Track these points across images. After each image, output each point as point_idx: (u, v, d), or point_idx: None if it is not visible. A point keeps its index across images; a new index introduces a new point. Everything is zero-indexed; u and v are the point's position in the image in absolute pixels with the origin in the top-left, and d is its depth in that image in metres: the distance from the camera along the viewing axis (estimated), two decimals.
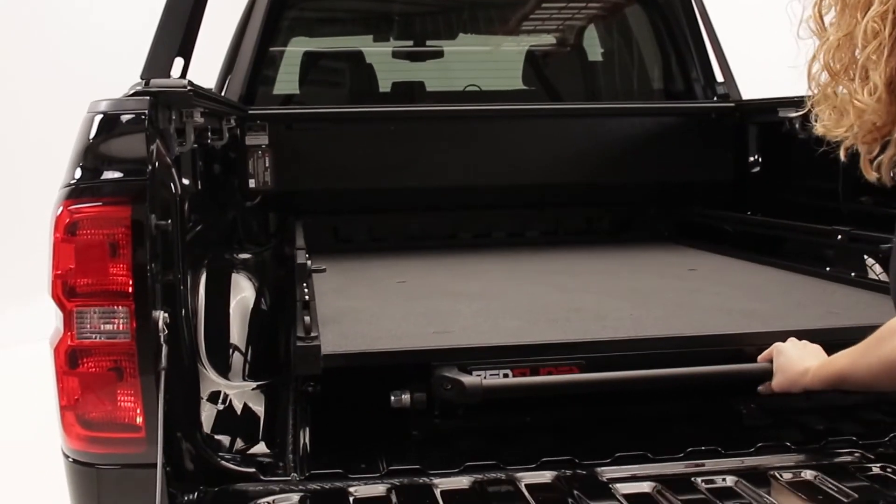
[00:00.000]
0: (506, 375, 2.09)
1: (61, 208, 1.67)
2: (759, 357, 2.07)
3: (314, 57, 4.49)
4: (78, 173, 1.68)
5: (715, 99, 3.82)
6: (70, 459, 1.76)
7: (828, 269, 3.01)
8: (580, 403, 2.28)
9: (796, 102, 3.17)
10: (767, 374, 2.02)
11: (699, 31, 3.91)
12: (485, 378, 2.00)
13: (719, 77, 3.88)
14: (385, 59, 4.57)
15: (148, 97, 1.73)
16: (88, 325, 1.67)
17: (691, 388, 2.33)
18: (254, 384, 2.21)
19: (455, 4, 4.68)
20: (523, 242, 3.82)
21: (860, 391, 1.88)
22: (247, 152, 3.31)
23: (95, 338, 1.69)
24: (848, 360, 1.82)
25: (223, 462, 1.82)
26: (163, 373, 1.64)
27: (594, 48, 4.58)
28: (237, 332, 2.40)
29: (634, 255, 3.51)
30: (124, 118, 1.74)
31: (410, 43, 4.67)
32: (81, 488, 1.76)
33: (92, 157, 1.70)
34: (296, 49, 4.38)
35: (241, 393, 2.16)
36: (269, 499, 1.78)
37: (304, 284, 2.32)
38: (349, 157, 3.50)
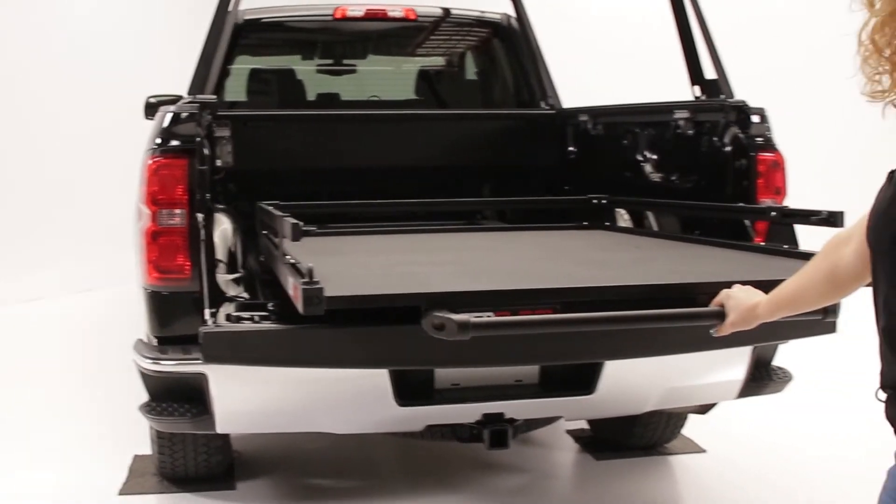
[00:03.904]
0: (489, 317, 2.35)
1: (150, 160, 2.95)
2: (711, 303, 2.14)
3: (257, 72, 5.49)
4: (158, 141, 2.99)
5: (545, 107, 4.81)
6: (148, 290, 2.97)
7: (763, 244, 3.19)
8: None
9: (590, 110, 4.60)
10: (720, 316, 2.08)
11: (536, 60, 4.99)
12: (472, 317, 2.19)
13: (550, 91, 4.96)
14: (311, 75, 5.51)
15: (196, 104, 3.03)
16: (162, 219, 2.94)
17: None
18: (232, 276, 3.39)
19: (366, 34, 5.45)
20: (424, 216, 4.49)
21: (811, 310, 1.91)
22: (215, 141, 4.22)
23: (166, 225, 2.91)
24: (797, 282, 1.85)
25: (226, 294, 3.09)
26: (202, 243, 2.92)
27: (470, 69, 5.60)
28: (220, 247, 3.49)
29: (567, 236, 3.84)
30: (183, 115, 3.03)
31: (331, 62, 5.63)
32: (153, 307, 2.99)
33: (166, 134, 3.00)
34: (243, 66, 5.37)
35: (226, 281, 3.32)
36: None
37: (294, 244, 2.54)
38: (285, 146, 4.42)
